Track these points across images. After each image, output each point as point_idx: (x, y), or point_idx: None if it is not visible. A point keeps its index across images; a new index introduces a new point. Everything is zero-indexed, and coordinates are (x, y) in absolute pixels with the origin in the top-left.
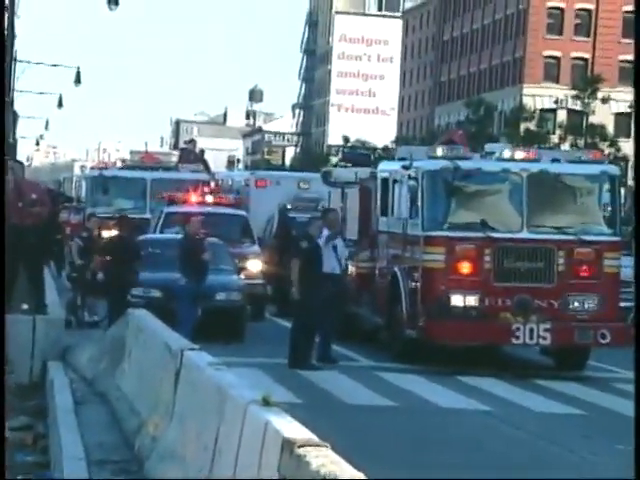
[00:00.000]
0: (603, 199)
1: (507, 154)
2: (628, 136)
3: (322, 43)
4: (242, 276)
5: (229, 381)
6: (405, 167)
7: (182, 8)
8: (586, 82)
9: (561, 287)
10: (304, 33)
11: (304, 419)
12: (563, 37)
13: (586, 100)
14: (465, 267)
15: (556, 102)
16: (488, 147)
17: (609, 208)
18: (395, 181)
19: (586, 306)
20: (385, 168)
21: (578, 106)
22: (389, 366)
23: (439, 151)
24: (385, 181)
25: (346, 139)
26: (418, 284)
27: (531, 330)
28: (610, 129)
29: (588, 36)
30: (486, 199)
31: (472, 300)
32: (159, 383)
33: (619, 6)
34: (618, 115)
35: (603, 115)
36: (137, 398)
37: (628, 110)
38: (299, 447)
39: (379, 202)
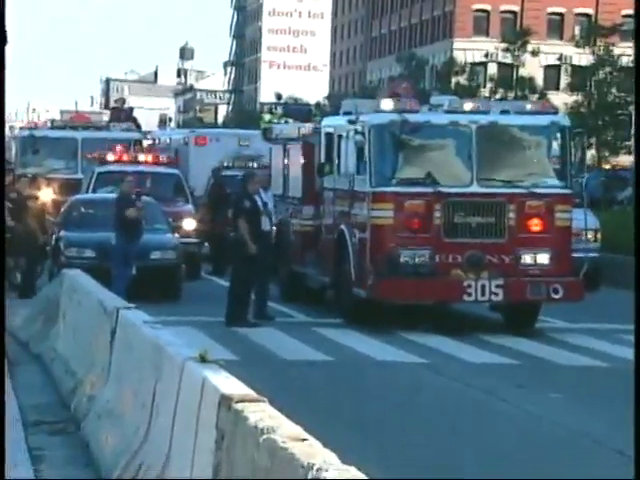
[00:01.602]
0: (553, 150)
1: (455, 106)
2: (557, 88)
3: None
4: (177, 235)
5: (166, 339)
6: (351, 121)
7: None
8: (516, 35)
9: (512, 242)
10: None
11: (241, 375)
12: None
13: (516, 53)
14: (414, 223)
15: (486, 55)
16: (435, 99)
17: (559, 160)
18: (340, 136)
19: (538, 261)
20: (329, 123)
21: (508, 59)
22: (327, 322)
23: (386, 104)
24: (330, 136)
25: (278, 96)
26: (366, 241)
27: (483, 287)
28: (539, 81)
29: None
30: (435, 153)
31: (422, 257)
32: (95, 343)
33: None
34: (547, 67)
35: (532, 68)
36: (72, 358)
37: (557, 62)
38: (237, 402)
39: (324, 158)
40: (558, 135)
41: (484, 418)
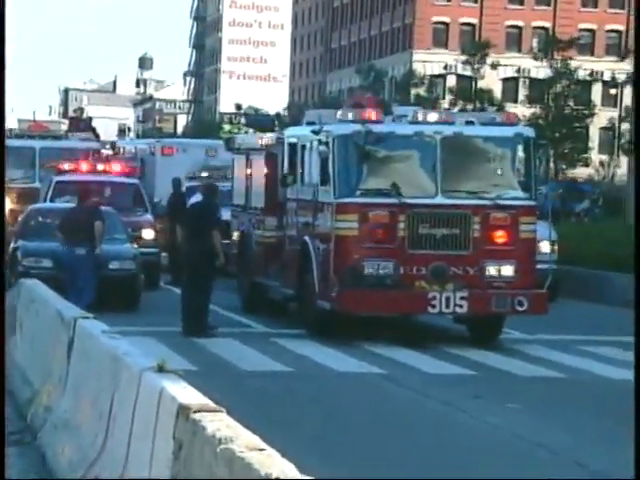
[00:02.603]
0: (518, 162)
1: (420, 116)
2: (515, 101)
3: (212, 10)
4: (135, 245)
5: (123, 349)
6: (315, 132)
7: None
8: (475, 48)
9: (477, 254)
10: (194, 0)
11: (199, 385)
12: (451, 3)
13: (475, 65)
14: (379, 234)
15: (445, 67)
16: (398, 110)
17: (524, 171)
18: (304, 146)
19: (502, 273)
20: (293, 133)
21: (467, 71)
22: (287, 333)
23: (350, 114)
24: (293, 147)
25: (238, 106)
26: (330, 253)
27: (447, 299)
28: (498, 94)
29: (475, 2)
30: (399, 164)
31: (386, 268)
32: (52, 352)
33: None
34: (505, 80)
35: (491, 80)
36: (30, 368)
37: (515, 75)
38: (194, 412)
39: (287, 169)
40: (522, 147)
41: (442, 429)
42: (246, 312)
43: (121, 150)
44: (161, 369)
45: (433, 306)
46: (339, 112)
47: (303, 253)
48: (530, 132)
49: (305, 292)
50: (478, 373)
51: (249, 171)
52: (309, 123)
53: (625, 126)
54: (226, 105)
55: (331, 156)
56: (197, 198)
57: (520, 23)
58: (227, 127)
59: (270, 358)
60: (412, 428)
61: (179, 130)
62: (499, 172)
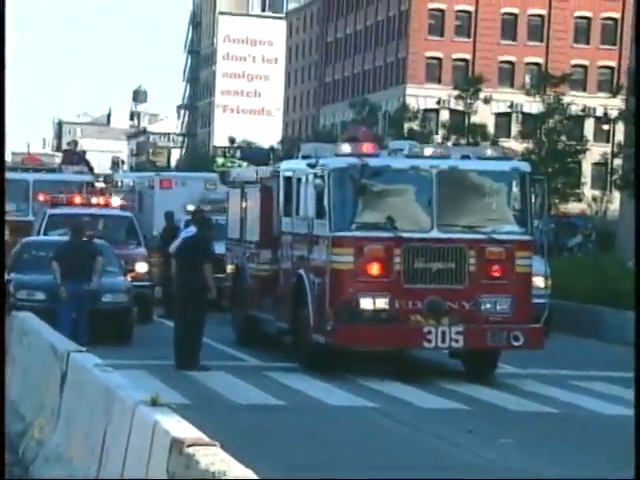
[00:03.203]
0: (514, 197)
1: (416, 150)
2: (508, 136)
3: (206, 44)
4: (129, 278)
5: (117, 382)
6: (310, 165)
7: (64, 6)
8: (468, 82)
9: (473, 288)
10: (188, 33)
11: (193, 419)
12: (444, 38)
13: (468, 100)
14: (374, 268)
15: (438, 102)
16: (394, 144)
17: (520, 206)
18: (299, 180)
19: (498, 307)
20: (288, 167)
21: (460, 106)
22: (280, 366)
23: (346, 148)
24: (288, 180)
25: (232, 140)
26: (325, 287)
27: (443, 333)
28: (491, 129)
29: (469, 37)
30: (395, 197)
31: (382, 302)
32: (45, 386)
33: (498, 8)
34: (498, 115)
35: (484, 115)
36: (22, 402)
37: (508, 110)
38: (188, 446)
39: (282, 202)
40: (519, 181)
41: (436, 463)
42: (240, 346)
43: (119, 183)
44: (154, 403)
45: (429, 340)
46: (335, 146)
47: (298, 287)
48: (526, 167)
49: (300, 326)
50: (471, 408)
51: (244, 204)
52: (305, 157)
53: (618, 162)
54: (220, 138)
55: (327, 189)
56: (190, 231)
57: (513, 59)
58: (220, 160)
59: (263, 392)
60: (406, 462)
61: (173, 163)
62: (495, 206)
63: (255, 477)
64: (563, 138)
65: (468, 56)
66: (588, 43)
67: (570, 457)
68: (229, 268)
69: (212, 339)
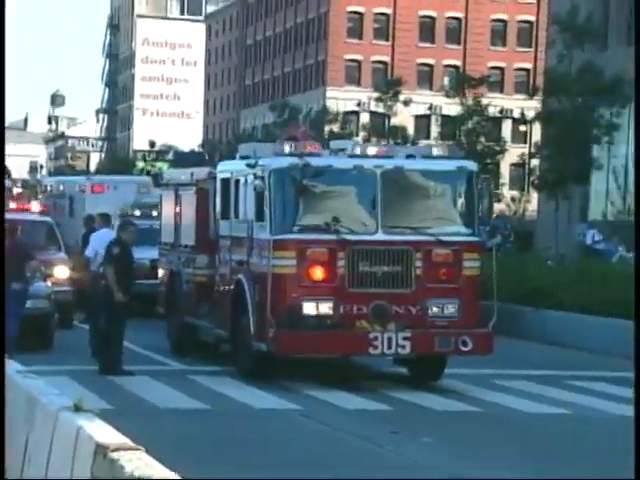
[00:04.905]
0: (461, 197)
1: (359, 150)
2: (427, 137)
3: (125, 47)
4: (49, 283)
5: (38, 389)
6: (250, 165)
7: None
8: (388, 85)
9: (419, 292)
10: (106, 37)
11: (117, 424)
12: (363, 41)
13: (388, 102)
14: (317, 273)
15: (358, 104)
16: (335, 143)
17: (467, 206)
18: (238, 181)
19: (446, 311)
20: (226, 168)
21: (380, 108)
22: (204, 370)
23: (286, 147)
24: (226, 181)
25: (152, 143)
26: (267, 292)
27: (389, 339)
28: (410, 130)
29: (387, 40)
30: (339, 199)
31: (326, 308)
32: None
33: (415, 11)
34: (418, 117)
35: (403, 117)
36: None
37: (427, 112)
38: (112, 451)
39: (220, 204)
40: (465, 181)
41: (360, 463)
42: (176, 354)
43: (48, 187)
44: (78, 408)
45: (375, 347)
46: (275, 145)
47: (238, 292)
48: (473, 166)
49: (240, 333)
50: (395, 408)
51: (178, 207)
52: (243, 157)
53: (535, 162)
54: (140, 142)
55: (267, 191)
56: (101, 234)
57: (431, 61)
58: (141, 164)
59: (188, 396)
60: (329, 461)
61: (92, 167)
62: (442, 207)
63: None
64: (482, 139)
65: (387, 58)
66: (505, 46)
67: (490, 456)
68: (162, 274)
69: (138, 345)
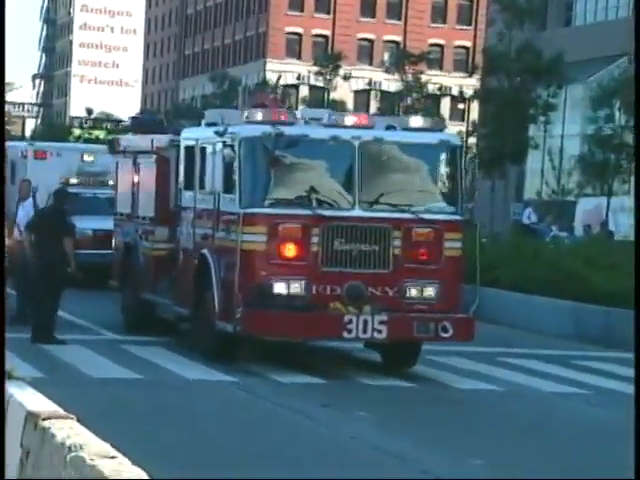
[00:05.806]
0: (443, 172)
1: (335, 119)
2: (366, 111)
3: (63, 13)
4: None
5: None
6: (218, 133)
7: None
8: (328, 59)
9: (398, 273)
10: (43, 2)
11: (48, 393)
12: (304, 14)
13: (328, 77)
14: (289, 250)
15: (298, 78)
16: (310, 112)
17: (450, 183)
18: (204, 149)
19: (425, 294)
20: (190, 135)
21: (320, 82)
22: (137, 339)
23: (258, 115)
24: (190, 150)
25: (89, 111)
26: (234, 269)
27: (365, 322)
28: (350, 105)
29: (328, 14)
30: (313, 171)
31: (297, 288)
32: None
33: None
34: (357, 92)
35: (343, 92)
36: None
37: (366, 87)
38: (43, 420)
39: (183, 174)
40: (449, 155)
41: (290, 437)
42: (130, 331)
43: None
44: (9, 376)
45: (349, 331)
46: (245, 112)
47: (201, 268)
48: (456, 139)
49: (202, 312)
50: (328, 382)
51: (136, 176)
52: (209, 124)
53: (472, 140)
54: (76, 109)
55: (237, 161)
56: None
57: (372, 36)
58: (77, 131)
59: (120, 365)
60: (259, 435)
61: (27, 133)
62: (423, 183)
63: (112, 450)
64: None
65: (328, 32)
66: (445, 22)
67: (423, 432)
68: (117, 246)
69: (74, 314)
